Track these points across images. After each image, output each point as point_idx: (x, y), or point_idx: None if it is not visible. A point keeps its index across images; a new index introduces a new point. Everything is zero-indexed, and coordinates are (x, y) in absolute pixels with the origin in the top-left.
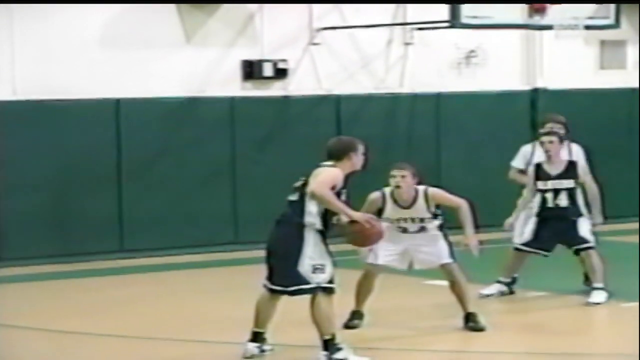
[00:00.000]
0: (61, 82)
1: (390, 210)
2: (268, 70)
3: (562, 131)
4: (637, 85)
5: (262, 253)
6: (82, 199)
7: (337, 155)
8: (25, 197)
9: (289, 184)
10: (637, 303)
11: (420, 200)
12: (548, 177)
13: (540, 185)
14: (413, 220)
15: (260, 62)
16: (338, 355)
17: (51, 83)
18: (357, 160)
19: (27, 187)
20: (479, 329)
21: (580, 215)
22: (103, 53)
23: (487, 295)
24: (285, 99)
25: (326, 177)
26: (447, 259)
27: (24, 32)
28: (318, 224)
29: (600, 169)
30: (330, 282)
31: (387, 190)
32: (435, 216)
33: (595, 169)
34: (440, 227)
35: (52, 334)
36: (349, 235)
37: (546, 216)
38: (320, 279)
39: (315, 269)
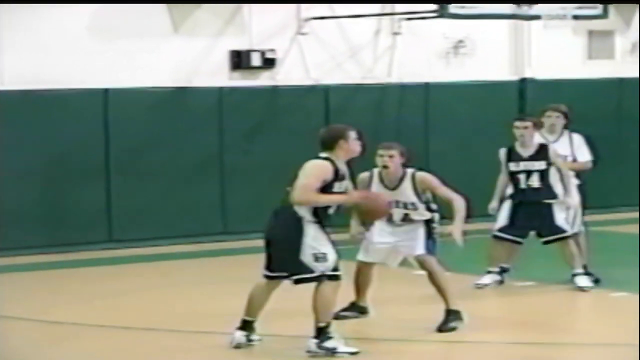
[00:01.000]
0: (50, 72)
1: (376, 190)
2: (256, 60)
3: (561, 120)
4: (625, 75)
5: (251, 243)
6: (70, 189)
7: (328, 144)
8: (14, 187)
9: (278, 174)
10: (626, 293)
11: (407, 183)
12: (520, 159)
13: (513, 166)
14: (397, 204)
15: (248, 52)
16: (328, 344)
17: (39, 73)
18: (349, 147)
19: (16, 177)
20: (447, 329)
21: (554, 197)
22: (91, 43)
23: (484, 285)
24: (274, 89)
25: (306, 180)
26: (420, 251)
27: (12, 22)
28: (309, 217)
29: None
30: (335, 269)
31: (376, 170)
32: (429, 209)
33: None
34: (428, 222)
35: (41, 324)
36: (359, 216)
37: (520, 199)
38: (324, 267)
39: (318, 258)
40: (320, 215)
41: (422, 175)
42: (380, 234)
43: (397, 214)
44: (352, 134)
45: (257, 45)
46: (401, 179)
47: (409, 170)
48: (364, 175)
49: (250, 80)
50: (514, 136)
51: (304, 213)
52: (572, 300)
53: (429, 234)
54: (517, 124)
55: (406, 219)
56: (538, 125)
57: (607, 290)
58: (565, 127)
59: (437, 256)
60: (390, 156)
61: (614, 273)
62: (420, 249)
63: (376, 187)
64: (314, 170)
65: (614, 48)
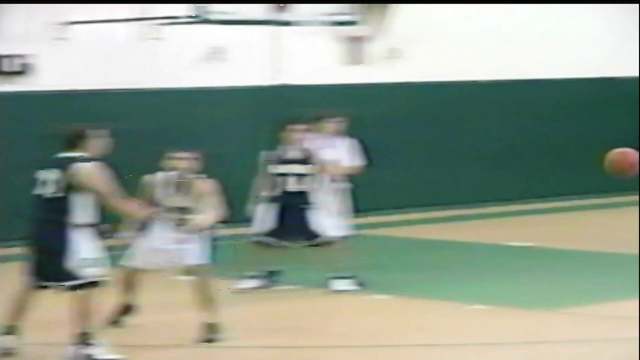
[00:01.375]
0: None
1: (161, 195)
2: (12, 66)
3: (340, 125)
4: (380, 81)
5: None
6: None
7: (72, 143)
8: None
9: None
10: (388, 296)
11: (190, 188)
12: (284, 162)
13: (276, 169)
14: (176, 209)
15: (4, 57)
16: (88, 350)
17: None
18: (94, 146)
19: None
20: (213, 340)
21: (316, 202)
22: None
23: (243, 289)
24: (31, 95)
25: (109, 187)
26: (195, 260)
27: None
28: (90, 219)
29: None
30: (99, 276)
31: (160, 174)
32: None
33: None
34: (205, 229)
35: None
36: (612, 172)
37: (283, 203)
38: (90, 273)
39: (86, 264)
40: (101, 217)
41: (202, 181)
42: (157, 240)
43: (172, 217)
44: (96, 133)
45: (14, 50)
46: (186, 184)
47: (192, 176)
48: (149, 178)
49: (7, 86)
50: (280, 139)
51: (85, 216)
52: (335, 303)
53: (207, 243)
54: (286, 127)
55: (180, 223)
56: (309, 130)
57: (371, 293)
58: (340, 132)
59: (209, 265)
60: (187, 159)
61: (378, 276)
62: (195, 258)
63: (161, 191)
64: (102, 176)
65: (369, 54)
